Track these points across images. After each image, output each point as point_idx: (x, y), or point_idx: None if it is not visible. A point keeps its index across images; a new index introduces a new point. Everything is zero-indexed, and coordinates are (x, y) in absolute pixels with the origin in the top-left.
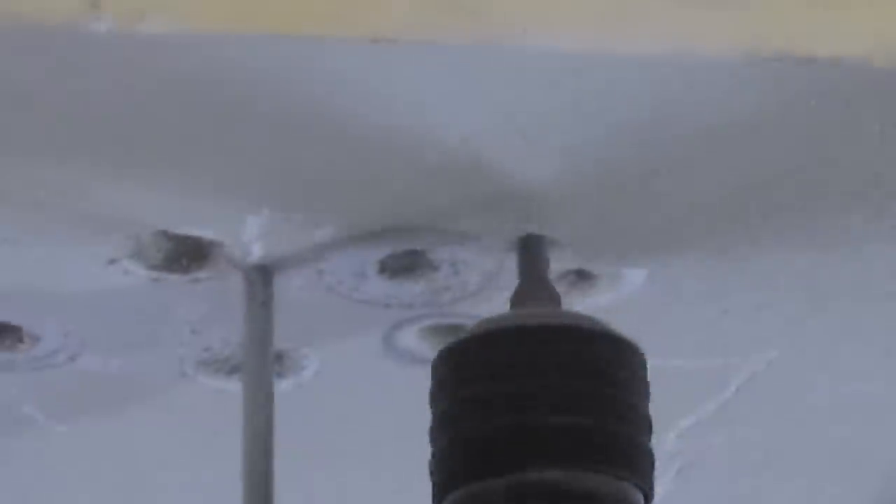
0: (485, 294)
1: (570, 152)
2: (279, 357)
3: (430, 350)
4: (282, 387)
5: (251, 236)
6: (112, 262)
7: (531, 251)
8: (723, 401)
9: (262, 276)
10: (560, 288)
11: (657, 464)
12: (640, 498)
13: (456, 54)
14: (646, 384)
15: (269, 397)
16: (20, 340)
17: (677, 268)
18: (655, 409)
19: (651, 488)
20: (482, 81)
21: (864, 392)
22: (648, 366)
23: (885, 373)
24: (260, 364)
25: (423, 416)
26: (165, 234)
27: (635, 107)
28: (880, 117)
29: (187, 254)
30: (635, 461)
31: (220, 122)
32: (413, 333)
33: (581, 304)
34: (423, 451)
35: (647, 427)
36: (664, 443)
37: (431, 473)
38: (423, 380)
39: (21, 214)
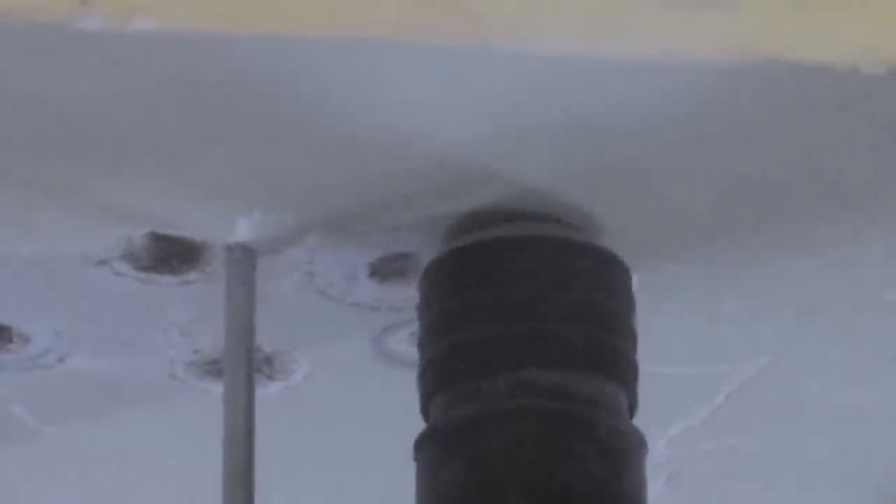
0: None
1: (560, 157)
2: (269, 360)
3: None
4: (272, 389)
5: (241, 238)
6: (102, 262)
7: None
8: (713, 408)
9: (251, 278)
10: None
11: (648, 471)
12: (627, 405)
13: (447, 56)
14: (632, 299)
15: (250, 400)
16: (10, 340)
17: (668, 274)
18: (645, 416)
19: (636, 399)
20: (474, 83)
21: (855, 399)
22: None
23: (876, 380)
24: (242, 365)
25: (412, 419)
26: (156, 236)
27: (626, 111)
28: (870, 124)
29: (177, 255)
30: (623, 371)
31: (210, 122)
32: (403, 337)
33: None
34: (412, 454)
35: (634, 339)
36: (654, 450)
37: (421, 379)
38: (412, 383)
39: (11, 214)
